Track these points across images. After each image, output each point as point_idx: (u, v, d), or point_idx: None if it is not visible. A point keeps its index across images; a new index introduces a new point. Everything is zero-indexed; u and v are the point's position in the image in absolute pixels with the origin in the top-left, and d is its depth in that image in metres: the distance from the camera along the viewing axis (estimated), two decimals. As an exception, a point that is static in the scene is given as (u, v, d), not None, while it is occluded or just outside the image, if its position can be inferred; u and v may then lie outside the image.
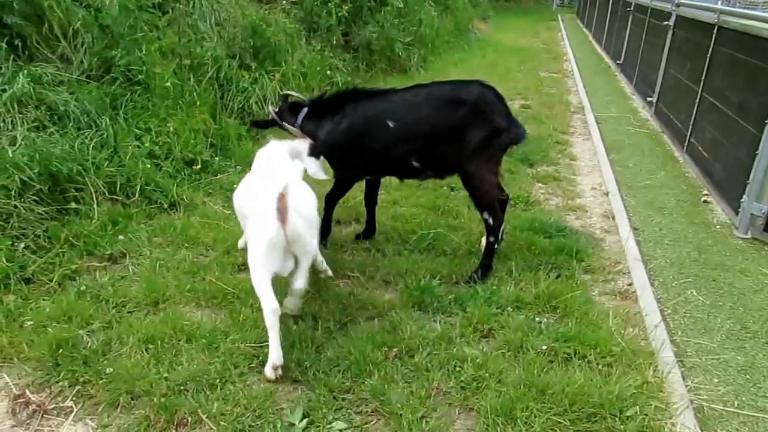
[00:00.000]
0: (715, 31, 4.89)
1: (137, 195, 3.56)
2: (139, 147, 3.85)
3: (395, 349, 2.46)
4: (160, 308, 2.70)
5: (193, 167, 4.12)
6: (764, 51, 3.79)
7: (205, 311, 2.72)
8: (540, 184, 4.67)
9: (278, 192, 2.26)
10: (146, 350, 2.38)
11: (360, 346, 2.44)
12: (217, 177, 4.19)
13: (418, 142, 2.96)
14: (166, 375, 2.24)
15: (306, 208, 2.45)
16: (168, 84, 4.40)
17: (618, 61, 10.55)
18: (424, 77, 8.74)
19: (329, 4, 7.40)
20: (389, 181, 4.45)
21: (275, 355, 2.25)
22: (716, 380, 2.42)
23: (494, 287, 2.98)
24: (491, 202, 3.06)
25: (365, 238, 3.50)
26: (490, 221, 3.04)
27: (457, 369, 2.37)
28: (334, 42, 7.53)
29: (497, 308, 2.80)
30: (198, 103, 4.61)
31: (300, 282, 2.46)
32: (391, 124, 2.95)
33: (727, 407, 2.26)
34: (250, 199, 2.53)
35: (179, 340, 2.46)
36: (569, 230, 3.74)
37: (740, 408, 2.26)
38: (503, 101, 3.05)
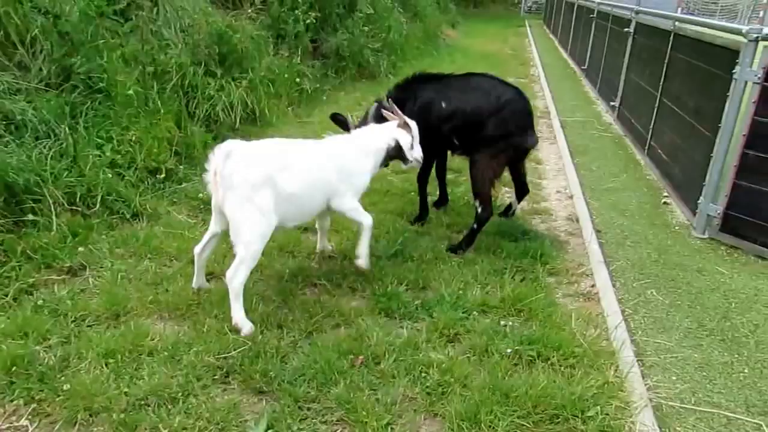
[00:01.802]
0: (671, 37, 5.04)
1: (98, 205, 3.48)
2: (100, 156, 3.77)
3: (361, 357, 2.45)
4: (121, 321, 2.64)
5: (157, 176, 4.05)
6: (717, 57, 3.93)
7: (168, 323, 2.67)
8: (507, 189, 4.71)
9: None
10: (106, 365, 2.33)
11: (326, 355, 2.42)
12: (182, 186, 4.13)
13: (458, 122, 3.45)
14: (126, 390, 2.19)
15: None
16: (130, 92, 4.32)
17: (583, 67, 10.79)
18: (393, 84, 8.78)
19: (297, 11, 7.39)
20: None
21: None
22: (674, 378, 2.48)
23: (460, 292, 3.00)
24: (484, 193, 3.43)
25: (437, 208, 4.13)
26: (479, 210, 3.45)
27: (423, 375, 2.38)
28: (303, 49, 7.51)
29: (463, 313, 2.82)
30: (162, 110, 4.53)
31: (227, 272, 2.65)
32: (443, 105, 3.47)
33: (685, 404, 2.32)
34: None
35: (140, 354, 2.41)
36: (534, 233, 3.81)
37: (697, 405, 2.32)
38: (529, 113, 3.50)
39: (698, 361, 2.60)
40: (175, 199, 3.96)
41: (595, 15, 10.07)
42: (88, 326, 2.59)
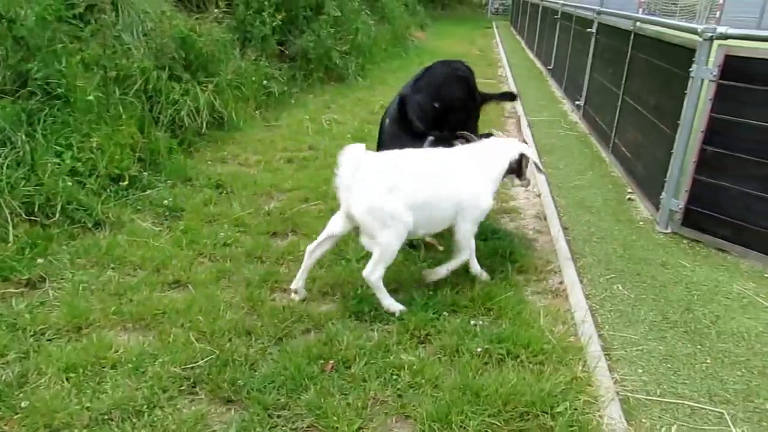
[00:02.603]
0: (632, 37, 5.16)
1: (58, 215, 3.38)
2: (59, 164, 3.66)
3: (332, 362, 2.43)
4: (82, 334, 2.56)
5: (120, 183, 3.95)
6: (675, 56, 4.03)
7: (132, 334, 2.60)
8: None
9: None
10: (67, 380, 2.25)
11: (296, 361, 2.40)
12: (146, 192, 4.04)
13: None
14: (88, 405, 2.13)
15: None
16: (91, 97, 4.21)
17: (549, 67, 10.96)
18: (362, 86, 8.80)
19: (263, 14, 7.32)
20: (326, 191, 4.44)
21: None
22: (640, 370, 2.53)
23: (431, 292, 3.00)
24: None
25: None
26: None
27: (394, 377, 2.37)
28: (270, 51, 7.45)
29: (434, 313, 2.82)
30: (124, 116, 4.43)
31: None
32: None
33: (650, 396, 2.37)
34: None
35: (103, 367, 2.34)
36: (503, 232, 3.84)
37: (662, 396, 2.37)
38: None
39: (663, 353, 2.65)
40: (139, 207, 3.88)
41: (559, 16, 10.25)
42: (47, 340, 2.51)
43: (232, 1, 7.20)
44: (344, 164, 2.70)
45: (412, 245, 3.49)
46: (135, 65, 4.91)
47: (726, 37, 3.43)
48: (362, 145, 2.74)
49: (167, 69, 5.33)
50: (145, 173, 4.23)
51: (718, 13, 25.32)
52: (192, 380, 2.30)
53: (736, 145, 3.47)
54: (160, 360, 2.39)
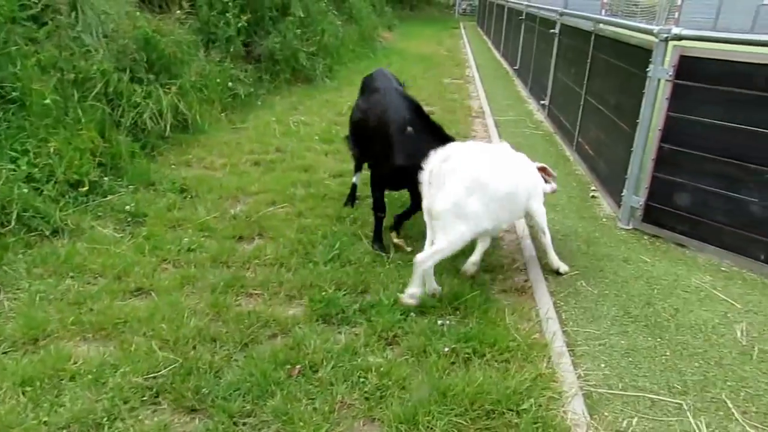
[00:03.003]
0: (592, 38, 5.27)
1: (13, 223, 3.27)
2: (14, 170, 3.55)
3: (298, 366, 2.42)
4: (39, 345, 2.49)
5: (80, 189, 3.84)
6: (633, 56, 4.13)
7: (92, 345, 2.54)
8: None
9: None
10: (23, 393, 2.19)
11: (261, 367, 2.37)
12: (107, 198, 3.94)
13: None
14: (45, 419, 2.07)
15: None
16: (48, 101, 4.09)
17: (515, 67, 11.12)
18: (329, 87, 8.77)
19: (227, 14, 7.23)
20: (294, 194, 4.41)
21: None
22: (603, 365, 2.58)
23: (398, 293, 3.01)
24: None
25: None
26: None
27: (362, 380, 2.36)
28: (235, 53, 7.36)
29: (401, 315, 2.83)
30: (84, 120, 4.32)
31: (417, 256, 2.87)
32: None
33: (612, 390, 2.42)
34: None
35: (62, 379, 2.28)
36: (470, 232, 3.87)
37: (624, 389, 2.43)
38: None
39: (624, 348, 2.71)
40: (99, 213, 3.78)
41: (524, 17, 10.40)
42: (2, 353, 2.43)
43: (195, 1, 7.09)
44: (432, 159, 2.83)
45: (381, 248, 3.50)
46: (95, 67, 4.79)
47: (680, 38, 3.53)
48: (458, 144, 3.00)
49: (129, 71, 5.21)
50: (106, 178, 4.13)
51: (676, 14, 26.10)
52: (155, 390, 2.25)
53: (691, 142, 3.57)
54: (122, 370, 2.33)
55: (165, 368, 2.36)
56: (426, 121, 3.38)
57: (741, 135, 3.33)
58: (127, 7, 5.79)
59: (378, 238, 3.55)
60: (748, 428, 2.23)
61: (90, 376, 2.29)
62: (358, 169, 4.18)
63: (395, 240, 3.57)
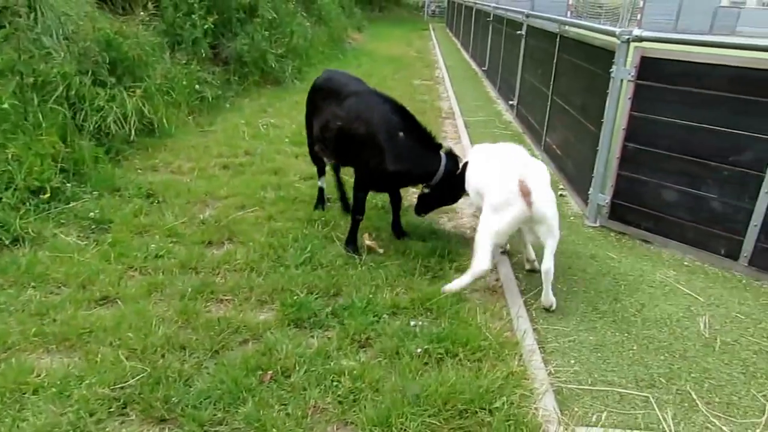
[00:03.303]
0: (558, 39, 5.36)
1: (-30, 232, 3.16)
2: (-29, 178, 3.43)
3: (270, 372, 2.39)
4: (0, 359, 2.40)
5: (41, 196, 3.73)
6: (597, 57, 4.22)
7: (56, 356, 2.46)
8: (414, 190, 4.81)
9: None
10: (-18, 410, 2.11)
11: (233, 373, 2.34)
12: (71, 205, 3.83)
13: None
14: (7, 435, 2.00)
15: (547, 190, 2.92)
16: (6, 105, 3.96)
17: (483, 68, 11.24)
18: (299, 88, 8.70)
19: (193, 16, 7.12)
20: (264, 197, 4.37)
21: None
22: (572, 361, 2.63)
23: (371, 296, 3.01)
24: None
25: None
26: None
27: (335, 384, 2.35)
28: (202, 55, 7.26)
29: (374, 316, 2.83)
30: (44, 124, 4.20)
31: (547, 263, 2.89)
32: None
33: (582, 385, 2.47)
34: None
35: (24, 393, 2.20)
36: (442, 232, 3.90)
37: (593, 384, 2.47)
38: None
39: (593, 343, 2.77)
40: (62, 220, 3.67)
41: (491, 18, 10.52)
42: (-40, 368, 2.34)
43: (160, 3, 6.96)
44: (516, 167, 2.93)
45: (355, 250, 3.48)
46: (55, 70, 4.65)
47: (642, 39, 3.63)
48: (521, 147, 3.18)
49: (91, 74, 5.09)
50: (69, 184, 4.01)
51: (639, 15, 26.80)
52: (122, 401, 2.20)
53: (653, 141, 3.67)
54: (87, 382, 2.27)
55: (133, 378, 2.30)
56: (414, 124, 3.41)
57: (700, 133, 3.44)
58: (87, 8, 5.64)
59: (352, 241, 3.54)
60: (711, 418, 2.29)
61: (54, 389, 2.22)
62: (322, 173, 4.14)
63: (367, 242, 3.57)
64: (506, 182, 2.88)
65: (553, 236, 2.90)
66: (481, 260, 2.95)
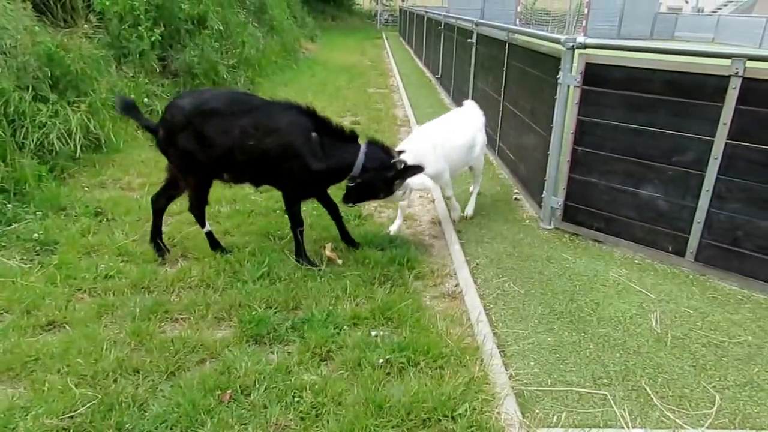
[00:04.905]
0: (507, 47, 5.48)
1: None
2: None
3: (229, 391, 2.33)
4: (-65, 394, 2.25)
5: (-21, 218, 3.55)
6: (544, 64, 4.33)
7: (-1, 387, 2.33)
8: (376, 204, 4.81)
9: None
10: None
11: (190, 395, 2.27)
12: (12, 227, 3.66)
13: None
14: (-56, 476, 1.87)
15: None
16: (-63, 124, 3.76)
17: (437, 75, 11.39)
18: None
19: (139, 28, 6.94)
20: (218, 211, 4.27)
21: None
22: (532, 363, 2.67)
23: (331, 307, 2.98)
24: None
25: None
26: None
27: (296, 400, 2.31)
28: (149, 68, 7.07)
29: (334, 329, 2.80)
30: (-19, 143, 4.00)
31: None
32: None
33: (542, 387, 2.50)
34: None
35: (-37, 430, 2.07)
36: (400, 240, 3.91)
37: (552, 385, 2.52)
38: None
39: (551, 344, 2.82)
40: (4, 243, 3.50)
41: (442, 27, 10.68)
42: None
43: (103, 15, 6.75)
44: None
45: (309, 262, 3.45)
46: (-8, 86, 4.44)
47: (585, 46, 3.75)
48: None
49: (31, 89, 4.88)
50: (10, 205, 3.83)
51: (584, 22, 27.76)
52: (72, 431, 2.10)
53: (601, 144, 3.79)
54: (33, 413, 2.16)
55: (83, 406, 2.20)
56: (323, 121, 3.31)
57: (644, 135, 3.57)
58: (26, 21, 5.42)
59: (302, 253, 3.47)
60: (665, 411, 2.37)
61: (-4, 423, 2.10)
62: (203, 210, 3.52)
63: (328, 252, 3.54)
64: None
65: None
66: None
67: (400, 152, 3.47)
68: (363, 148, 3.33)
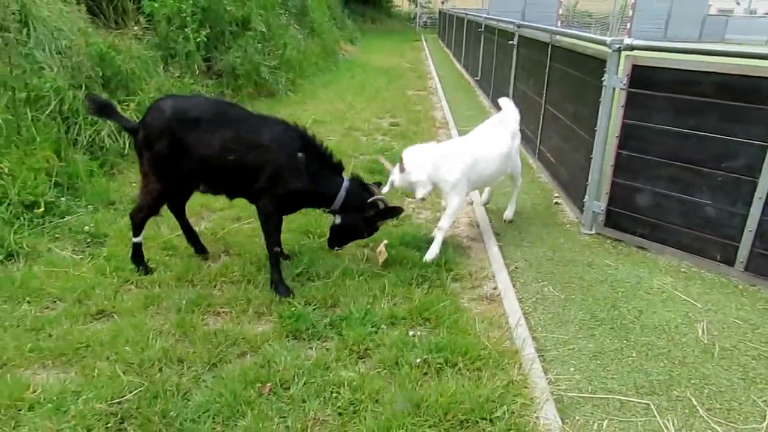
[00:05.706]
0: (549, 49, 5.41)
1: (-36, 248, 3.13)
2: (-36, 193, 3.40)
3: (269, 384, 2.37)
4: (-5, 375, 2.37)
5: (35, 210, 3.71)
6: (588, 66, 4.26)
7: (52, 371, 2.43)
8: (410, 200, 4.82)
9: None
10: (-23, 427, 2.08)
11: (231, 386, 2.32)
12: (65, 219, 3.81)
13: None
14: (2, 453, 1.97)
15: None
16: (-2, 120, 3.96)
17: (476, 78, 11.32)
18: (293, 100, 8.74)
19: (186, 30, 7.15)
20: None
21: None
22: (572, 369, 2.62)
23: (369, 306, 3.00)
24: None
25: None
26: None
27: (334, 395, 2.34)
28: (195, 68, 7.27)
29: (372, 327, 2.81)
30: (38, 139, 4.19)
31: None
32: None
33: (582, 393, 2.46)
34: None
35: (19, 410, 2.17)
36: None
37: (593, 392, 2.47)
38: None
39: (592, 351, 2.76)
40: (57, 235, 3.65)
41: (483, 29, 10.61)
42: (-46, 385, 2.30)
43: (152, 17, 6.98)
44: None
45: (286, 289, 3.17)
46: (48, 85, 4.65)
47: (632, 48, 3.66)
48: None
49: (84, 88, 5.08)
50: (63, 198, 3.99)
51: (628, 24, 27.11)
52: (119, 416, 2.17)
53: (647, 148, 3.69)
54: (84, 397, 2.24)
55: (130, 392, 2.28)
56: (312, 143, 3.15)
57: (692, 140, 3.47)
58: (80, 23, 5.65)
59: (278, 278, 3.13)
60: (712, 424, 2.29)
61: (50, 405, 2.19)
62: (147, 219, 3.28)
63: (381, 247, 3.46)
64: None
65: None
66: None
67: (380, 185, 3.44)
68: (345, 184, 3.21)
